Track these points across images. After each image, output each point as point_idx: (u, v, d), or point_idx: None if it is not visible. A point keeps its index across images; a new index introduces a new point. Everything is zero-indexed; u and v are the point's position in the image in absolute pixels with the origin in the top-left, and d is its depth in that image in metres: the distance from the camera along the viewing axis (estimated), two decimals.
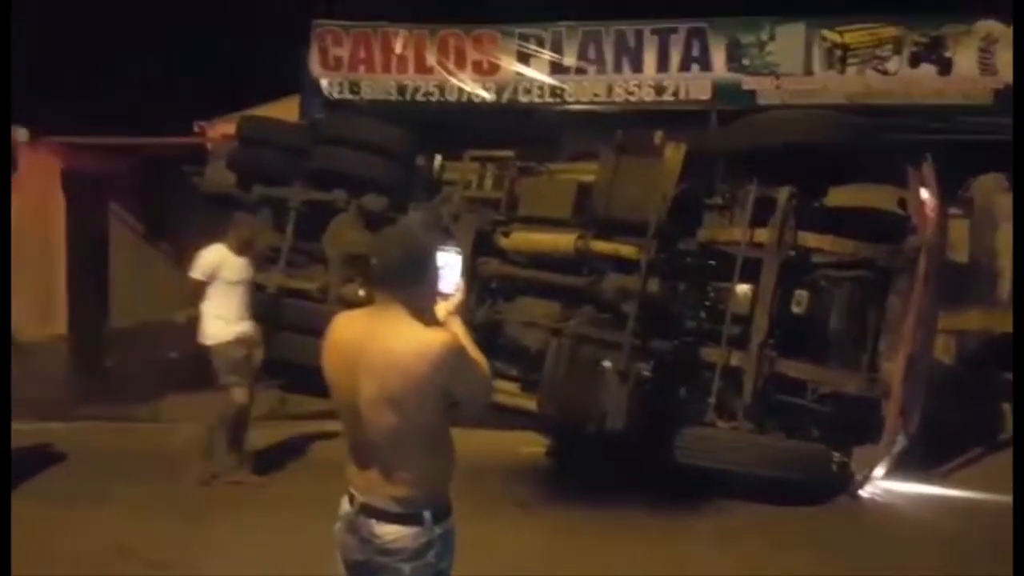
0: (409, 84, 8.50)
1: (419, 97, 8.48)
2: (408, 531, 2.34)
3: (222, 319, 5.62)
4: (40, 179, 9.66)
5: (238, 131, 8.04)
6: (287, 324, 7.30)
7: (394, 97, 8.48)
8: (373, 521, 2.36)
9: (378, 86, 8.54)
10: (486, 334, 6.75)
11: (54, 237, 9.99)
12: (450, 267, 2.49)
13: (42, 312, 9.40)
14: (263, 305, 7.46)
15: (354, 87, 8.63)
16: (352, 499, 2.43)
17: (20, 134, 9.54)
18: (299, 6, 9.15)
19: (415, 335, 2.33)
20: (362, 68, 8.59)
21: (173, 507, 5.06)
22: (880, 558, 4.50)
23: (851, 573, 4.36)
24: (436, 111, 8.31)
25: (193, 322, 7.51)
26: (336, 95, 8.66)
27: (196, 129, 10.00)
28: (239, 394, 5.54)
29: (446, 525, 2.40)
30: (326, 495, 2.60)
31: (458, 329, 2.48)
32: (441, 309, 2.50)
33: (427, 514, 2.36)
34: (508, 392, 6.81)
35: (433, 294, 2.46)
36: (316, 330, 7.46)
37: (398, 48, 8.44)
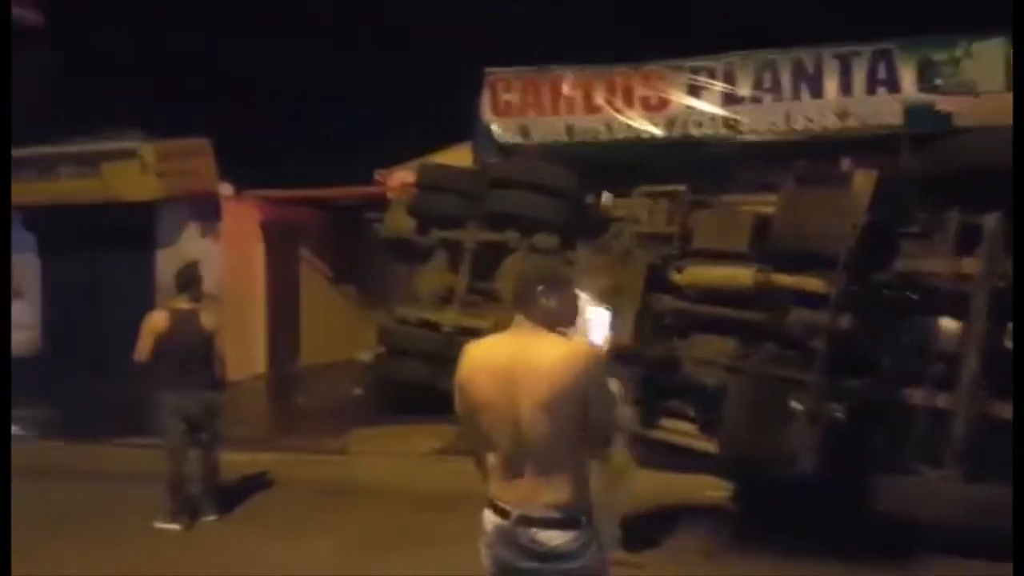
0: (577, 124, 8.59)
1: (587, 137, 8.55)
2: (569, 535, 2.57)
3: None
4: (243, 230, 10.56)
5: (418, 178, 8.44)
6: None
7: (563, 138, 8.59)
8: (533, 530, 2.57)
9: (547, 128, 8.69)
10: (661, 372, 6.62)
11: (255, 283, 10.87)
12: (599, 321, 2.89)
13: (244, 352, 10.18)
14: (439, 343, 7.75)
15: (524, 131, 8.83)
16: (504, 513, 2.62)
17: (225, 189, 10.51)
18: (470, 54, 9.56)
19: (562, 344, 2.63)
20: (531, 111, 8.78)
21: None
22: None
23: None
24: (605, 149, 8.33)
25: (380, 359, 7.86)
26: (507, 139, 8.89)
27: (376, 178, 10.58)
28: None
29: (591, 527, 2.63)
30: None
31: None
32: None
33: (583, 517, 2.60)
34: (685, 432, 6.60)
35: (567, 317, 2.71)
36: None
37: (566, 90, 8.57)
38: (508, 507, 2.60)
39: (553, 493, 2.55)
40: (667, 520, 5.51)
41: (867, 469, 5.01)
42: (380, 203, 10.09)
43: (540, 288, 2.64)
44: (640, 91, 8.33)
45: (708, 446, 6.19)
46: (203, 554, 5.22)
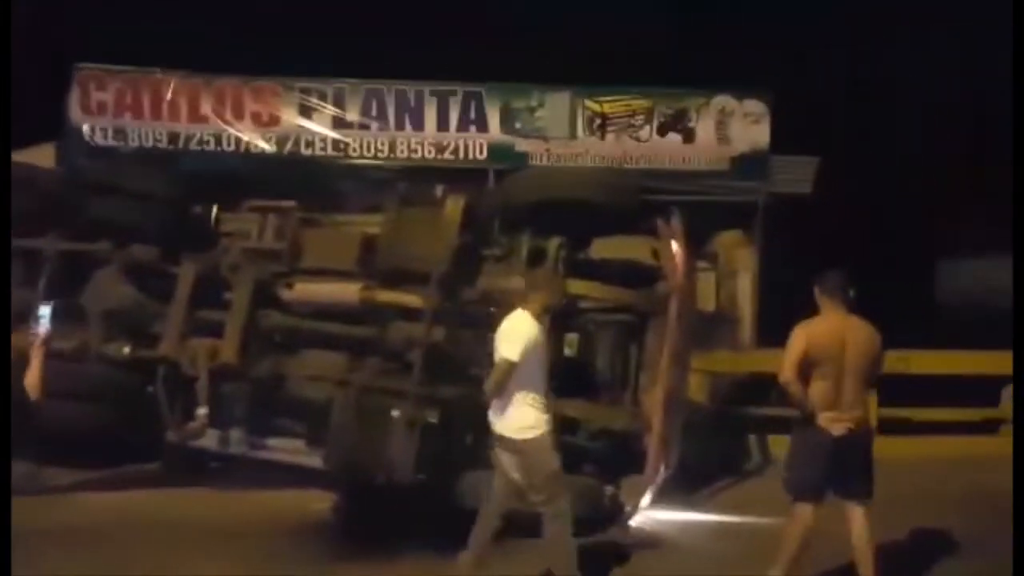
0: (182, 132, 8.19)
1: (193, 145, 8.19)
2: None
3: (535, 407, 4.59)
4: None
5: None
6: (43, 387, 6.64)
7: (165, 144, 8.11)
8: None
9: (148, 133, 8.14)
10: (267, 389, 6.57)
11: None
12: None
13: None
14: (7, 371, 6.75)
15: (120, 133, 8.16)
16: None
17: None
18: (54, 48, 8.56)
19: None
20: (129, 114, 8.16)
21: None
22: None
23: None
24: (212, 161, 8.05)
25: None
26: (100, 141, 8.13)
27: None
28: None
29: None
30: None
31: None
32: None
33: None
34: (292, 450, 6.63)
35: None
36: (75, 393, 6.88)
37: (169, 95, 8.12)
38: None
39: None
40: (273, 536, 5.50)
41: (458, 468, 5.52)
42: None
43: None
44: (251, 105, 8.22)
45: (314, 461, 6.30)
46: None
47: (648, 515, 5.63)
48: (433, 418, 5.74)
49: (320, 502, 6.22)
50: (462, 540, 5.02)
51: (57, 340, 6.78)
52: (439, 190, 6.64)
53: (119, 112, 8.14)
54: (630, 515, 5.61)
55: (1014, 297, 5.38)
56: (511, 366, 4.50)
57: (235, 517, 6.13)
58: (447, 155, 8.14)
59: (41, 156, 8.46)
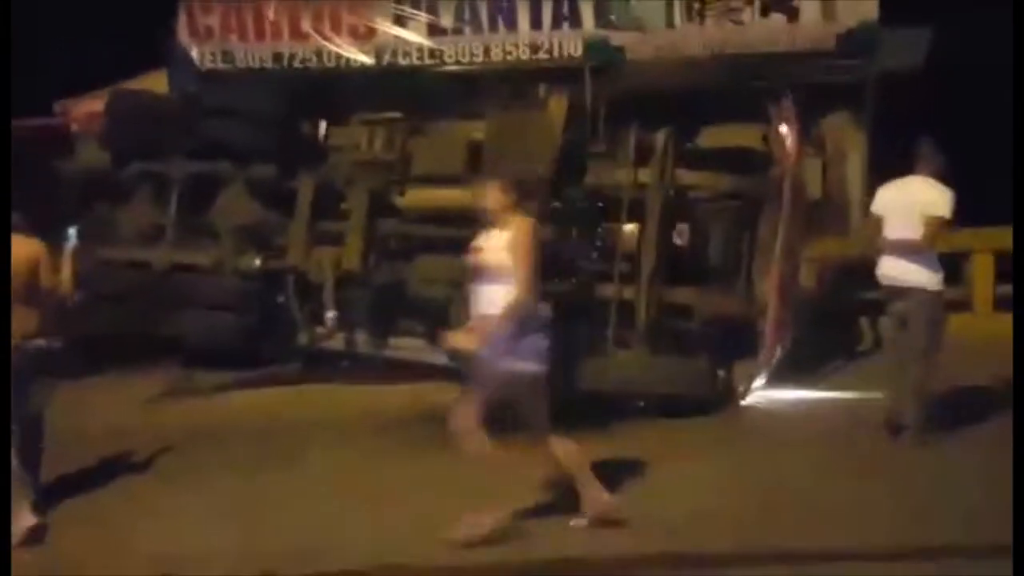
0: (285, 51, 8.42)
1: (296, 64, 8.42)
2: None
3: None
4: None
5: (108, 106, 7.76)
6: (182, 300, 7.23)
7: (270, 65, 8.38)
8: None
9: (253, 54, 8.41)
10: (387, 293, 6.96)
11: None
12: None
13: None
14: (150, 284, 7.35)
15: (227, 56, 8.46)
16: None
17: None
18: None
19: None
20: (234, 37, 8.42)
21: None
22: (765, 457, 5.04)
23: (741, 473, 4.86)
24: (316, 77, 8.28)
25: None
26: (208, 65, 8.46)
27: (56, 110, 9.50)
28: None
29: None
30: None
31: None
32: None
33: None
34: (414, 348, 7.05)
35: None
36: (215, 304, 7.44)
37: (271, 15, 8.33)
38: None
39: None
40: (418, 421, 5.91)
41: (572, 356, 5.78)
42: (63, 138, 9.11)
43: None
44: (348, 19, 8.34)
45: (436, 357, 6.69)
46: None
47: (762, 395, 5.79)
48: (546, 311, 5.98)
49: (444, 393, 6.60)
50: (579, 422, 5.30)
51: (194, 256, 7.41)
52: (541, 90, 6.71)
53: (225, 35, 8.40)
54: (743, 395, 5.80)
55: (1013, 294, 5.33)
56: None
57: (367, 410, 6.61)
58: (542, 55, 8.09)
59: (154, 82, 8.90)
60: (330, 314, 7.15)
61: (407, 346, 7.08)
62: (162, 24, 8.75)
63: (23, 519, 4.25)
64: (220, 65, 8.39)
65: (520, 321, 3.93)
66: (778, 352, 5.68)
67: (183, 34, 8.46)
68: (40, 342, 4.55)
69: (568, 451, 4.09)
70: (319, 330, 7.30)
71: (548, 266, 6.04)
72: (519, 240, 3.95)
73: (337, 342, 7.29)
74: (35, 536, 4.26)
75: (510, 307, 3.89)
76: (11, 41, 6.31)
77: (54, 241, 4.81)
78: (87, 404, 6.51)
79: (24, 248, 4.49)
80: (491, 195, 4.14)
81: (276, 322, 7.34)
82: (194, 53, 8.43)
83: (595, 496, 4.05)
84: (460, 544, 3.95)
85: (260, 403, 7.03)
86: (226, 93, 7.86)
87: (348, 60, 8.29)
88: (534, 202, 4.64)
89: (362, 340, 7.24)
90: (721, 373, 5.77)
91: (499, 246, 4.02)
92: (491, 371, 3.94)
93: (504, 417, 4.03)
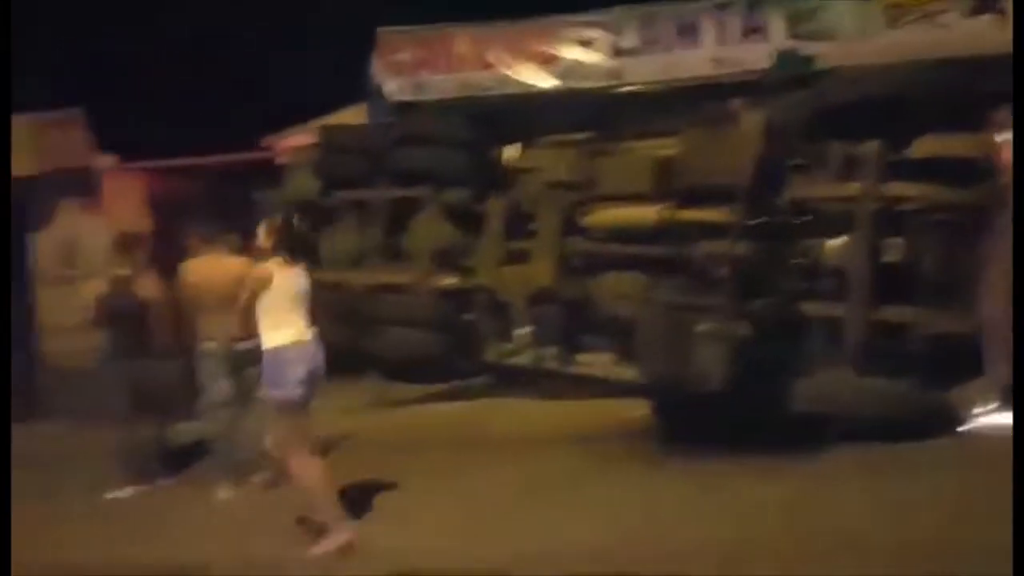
0: (469, 80, 8.80)
1: (479, 92, 8.78)
2: None
3: None
4: (126, 204, 10.09)
5: (321, 139, 8.42)
6: (383, 318, 7.68)
7: (456, 94, 8.79)
8: None
9: (441, 85, 8.86)
10: (576, 309, 7.08)
11: None
12: None
13: None
14: (354, 304, 7.86)
15: (417, 88, 8.94)
16: None
17: (104, 161, 10.00)
18: (355, 15, 9.48)
19: None
20: (424, 70, 8.91)
21: None
22: (984, 487, 4.66)
23: (960, 500, 4.53)
24: (503, 104, 8.60)
25: None
26: (401, 97, 8.98)
27: (264, 144, 10.36)
28: None
29: None
30: None
31: None
32: None
33: None
34: (602, 364, 7.12)
35: None
36: (411, 321, 7.80)
37: (459, 48, 8.75)
38: None
39: None
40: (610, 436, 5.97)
41: (774, 377, 5.63)
42: (267, 170, 9.94)
43: None
44: (532, 46, 8.62)
45: (624, 373, 6.72)
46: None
47: (986, 420, 5.39)
48: (745, 330, 5.87)
49: (633, 410, 6.61)
50: (781, 442, 5.16)
51: (393, 276, 7.86)
52: (734, 105, 6.63)
53: (415, 69, 8.91)
54: (964, 419, 5.42)
55: (1014, 297, 4.76)
56: None
57: (557, 424, 6.74)
58: (729, 69, 8.01)
59: (353, 116, 9.55)
60: (520, 330, 7.37)
61: (594, 362, 7.17)
62: (359, 62, 9.39)
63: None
64: (412, 97, 8.86)
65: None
66: (1005, 374, 5.26)
67: (378, 69, 9.02)
68: (250, 344, 5.11)
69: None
70: (507, 346, 7.55)
71: (745, 283, 6.03)
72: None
73: (524, 358, 7.51)
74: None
75: None
76: (10, 42, 7.02)
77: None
78: None
79: (236, 267, 5.37)
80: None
81: (466, 339, 7.65)
82: (388, 86, 8.96)
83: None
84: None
85: (453, 415, 7.35)
86: (419, 123, 8.33)
87: (533, 86, 8.54)
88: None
89: (550, 356, 7.41)
90: (939, 396, 5.42)
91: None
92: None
93: None
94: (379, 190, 8.04)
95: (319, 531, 4.51)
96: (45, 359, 9.51)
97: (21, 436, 7.19)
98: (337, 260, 8.11)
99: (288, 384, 4.52)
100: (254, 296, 4.59)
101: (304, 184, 8.44)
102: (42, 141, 9.61)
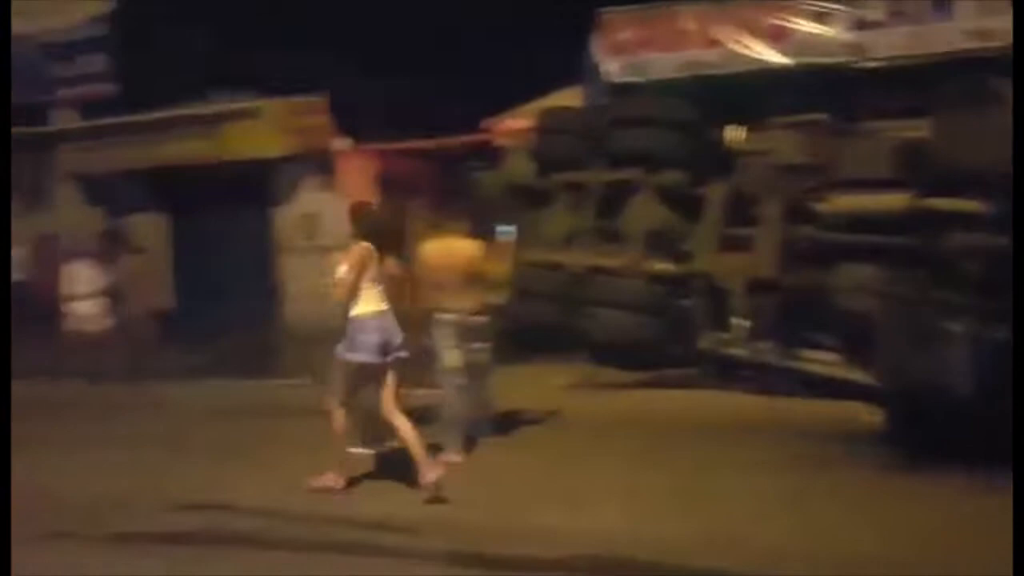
0: (696, 59, 8.52)
1: (705, 71, 8.47)
2: None
3: None
4: (358, 183, 10.82)
5: (540, 122, 8.55)
6: (594, 299, 7.69)
7: (680, 74, 8.54)
8: None
9: (664, 65, 8.64)
10: (800, 301, 6.68)
11: None
12: None
13: None
14: (567, 284, 7.92)
15: (639, 69, 8.79)
16: None
17: (341, 143, 10.78)
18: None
19: None
20: (647, 49, 8.73)
21: None
22: None
23: None
24: (728, 83, 8.25)
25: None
26: (621, 78, 8.87)
27: (483, 127, 10.67)
28: None
29: None
30: None
31: None
32: None
33: None
34: (827, 362, 6.68)
35: None
36: (622, 304, 7.72)
37: (684, 25, 8.50)
38: None
39: None
40: (832, 442, 5.64)
41: None
42: (486, 152, 10.23)
43: None
44: (762, 20, 8.19)
45: (855, 375, 6.26)
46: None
47: None
48: (1000, 333, 5.27)
49: (862, 415, 6.16)
50: None
51: (607, 259, 7.84)
52: (993, 82, 5.93)
53: (637, 48, 8.76)
54: None
55: (1013, 297, 4.52)
56: None
57: (772, 421, 6.40)
58: (985, 42, 7.17)
59: (568, 99, 9.59)
60: (738, 321, 7.09)
61: (820, 359, 6.75)
62: (576, 44, 9.39)
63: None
64: (633, 77, 8.74)
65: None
66: None
67: (598, 50, 8.97)
68: (482, 319, 5.80)
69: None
70: (723, 336, 7.29)
71: (1002, 279, 5.38)
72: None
73: (742, 349, 7.20)
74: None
75: None
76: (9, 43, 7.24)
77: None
78: (515, 387, 7.18)
79: (467, 246, 5.81)
80: None
81: (681, 326, 7.48)
82: (608, 67, 8.89)
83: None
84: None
85: (663, 402, 7.21)
86: (638, 103, 8.21)
87: (763, 62, 8.13)
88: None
89: (769, 350, 7.06)
90: None
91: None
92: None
93: None
94: (594, 172, 8.02)
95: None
96: (286, 322, 10.43)
97: (265, 389, 8.34)
98: (551, 241, 8.22)
99: (362, 349, 4.93)
100: (361, 268, 5.01)
101: (520, 166, 8.61)
102: (290, 124, 10.53)
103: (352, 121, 10.60)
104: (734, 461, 5.41)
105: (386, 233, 5.46)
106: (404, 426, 4.98)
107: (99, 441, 6.42)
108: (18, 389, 6.04)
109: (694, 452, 5.66)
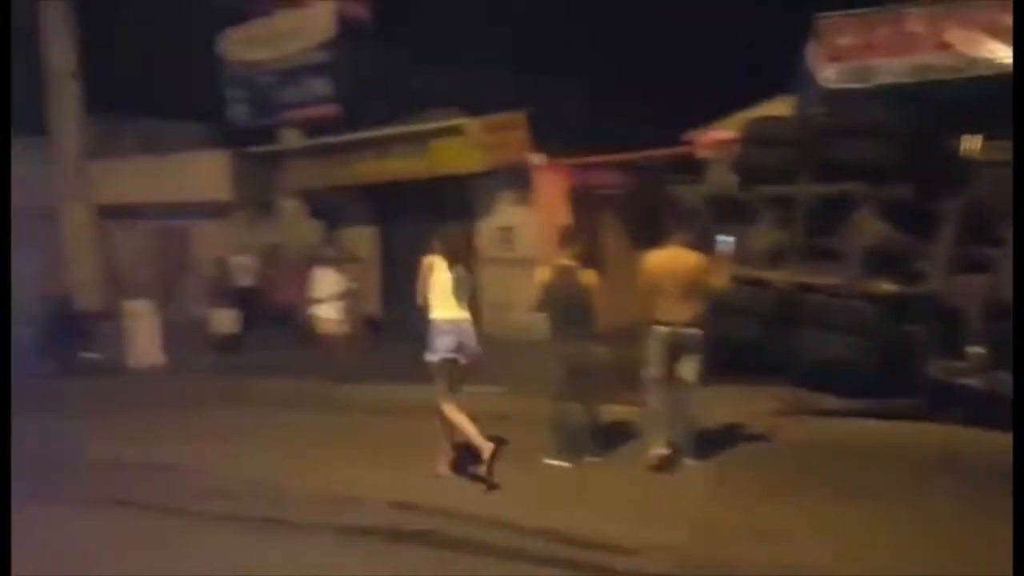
0: (924, 63, 7.88)
1: (935, 76, 7.80)
2: None
3: None
4: (552, 197, 10.97)
5: (745, 132, 8.23)
6: (802, 319, 7.26)
7: (907, 79, 7.92)
8: None
9: (889, 70, 8.06)
10: None
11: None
12: None
13: None
14: (773, 302, 7.52)
15: (862, 75, 8.25)
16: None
17: (537, 158, 10.95)
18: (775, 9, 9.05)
19: None
20: (871, 54, 8.18)
21: None
22: None
23: None
24: (957, 88, 7.56)
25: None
26: (839, 84, 8.36)
27: (684, 139, 10.46)
28: None
29: None
30: None
31: None
32: None
33: None
34: None
35: None
36: (837, 326, 7.22)
37: (912, 28, 7.89)
38: None
39: None
40: None
41: None
42: (686, 165, 9.98)
43: None
44: (1000, 21, 7.44)
45: None
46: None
47: None
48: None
49: None
50: None
51: (819, 277, 7.39)
52: None
53: (858, 53, 8.23)
54: None
55: (1014, 297, 4.51)
56: None
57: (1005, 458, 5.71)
58: None
59: (776, 108, 9.17)
60: (973, 348, 6.43)
61: None
62: (788, 52, 8.97)
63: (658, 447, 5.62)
64: (853, 83, 8.22)
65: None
66: None
67: (814, 57, 8.52)
68: (695, 331, 5.76)
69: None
70: (956, 364, 6.63)
71: None
72: None
73: (977, 379, 6.52)
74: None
75: None
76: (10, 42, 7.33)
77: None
78: (717, 406, 6.89)
79: (691, 258, 5.81)
80: None
81: (904, 351, 6.89)
82: (825, 74, 8.43)
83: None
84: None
85: (878, 433, 6.65)
86: (859, 111, 7.69)
87: (999, 66, 7.38)
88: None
89: (1008, 381, 6.33)
90: None
91: None
92: None
93: None
94: (804, 185, 7.59)
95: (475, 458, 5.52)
96: (483, 331, 10.66)
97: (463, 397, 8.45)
98: (754, 257, 7.86)
99: (437, 350, 5.55)
100: (425, 277, 5.69)
101: (722, 179, 8.33)
102: (490, 140, 10.85)
103: (551, 136, 10.76)
104: (971, 504, 4.91)
105: (589, 251, 5.65)
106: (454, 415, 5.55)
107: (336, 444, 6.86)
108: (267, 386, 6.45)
109: (919, 489, 5.20)
